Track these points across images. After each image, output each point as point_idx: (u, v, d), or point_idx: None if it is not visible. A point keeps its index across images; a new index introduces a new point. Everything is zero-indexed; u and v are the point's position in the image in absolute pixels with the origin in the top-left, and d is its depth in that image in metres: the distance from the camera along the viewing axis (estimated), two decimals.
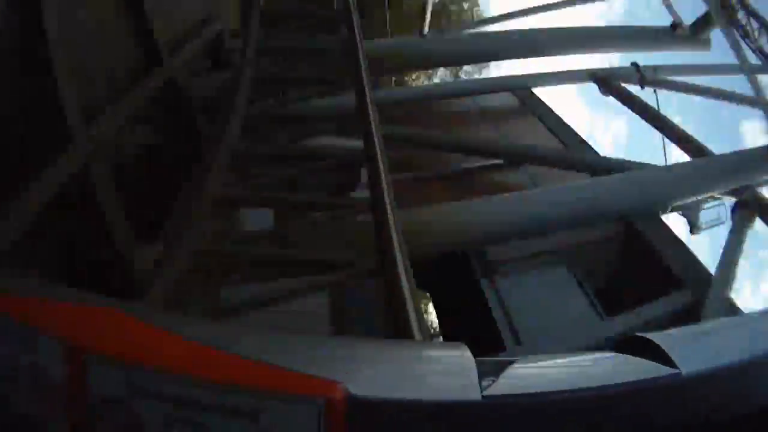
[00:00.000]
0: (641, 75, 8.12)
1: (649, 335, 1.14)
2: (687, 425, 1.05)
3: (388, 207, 2.71)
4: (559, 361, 1.15)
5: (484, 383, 0.98)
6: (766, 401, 1.09)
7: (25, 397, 1.08)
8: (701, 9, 7.83)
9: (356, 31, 4.52)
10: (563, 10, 9.75)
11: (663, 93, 8.12)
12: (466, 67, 17.20)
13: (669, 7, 8.30)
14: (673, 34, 8.20)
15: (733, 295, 5.07)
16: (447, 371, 1.01)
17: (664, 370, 1.06)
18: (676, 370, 1.06)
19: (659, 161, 7.19)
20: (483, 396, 0.96)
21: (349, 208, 3.46)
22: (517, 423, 0.98)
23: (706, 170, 6.16)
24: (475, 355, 1.03)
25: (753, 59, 6.78)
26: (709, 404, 1.08)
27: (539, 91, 8.88)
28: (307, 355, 1.01)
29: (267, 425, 0.94)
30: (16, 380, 1.08)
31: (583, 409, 1.00)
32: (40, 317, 1.08)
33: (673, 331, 1.20)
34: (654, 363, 1.08)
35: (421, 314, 2.09)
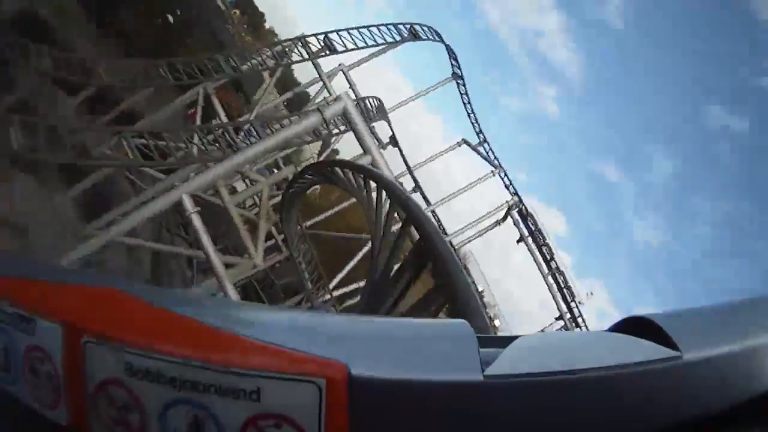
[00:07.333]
0: None
1: (652, 315, 1.13)
2: (689, 408, 1.04)
3: None
4: (561, 339, 1.14)
5: (486, 362, 0.97)
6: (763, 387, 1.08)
7: (22, 382, 1.07)
8: None
9: None
10: None
11: None
12: None
13: None
14: None
15: None
16: (449, 349, 1.00)
17: (666, 352, 1.05)
18: (678, 353, 1.05)
19: None
20: (484, 375, 0.95)
21: None
22: (520, 403, 0.97)
23: None
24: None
25: None
26: (712, 388, 1.07)
27: None
28: (307, 334, 1.00)
29: (267, 406, 0.93)
30: (12, 365, 1.07)
31: (587, 389, 0.99)
32: (38, 299, 1.07)
33: (674, 311, 1.20)
34: (657, 344, 1.07)
35: None
